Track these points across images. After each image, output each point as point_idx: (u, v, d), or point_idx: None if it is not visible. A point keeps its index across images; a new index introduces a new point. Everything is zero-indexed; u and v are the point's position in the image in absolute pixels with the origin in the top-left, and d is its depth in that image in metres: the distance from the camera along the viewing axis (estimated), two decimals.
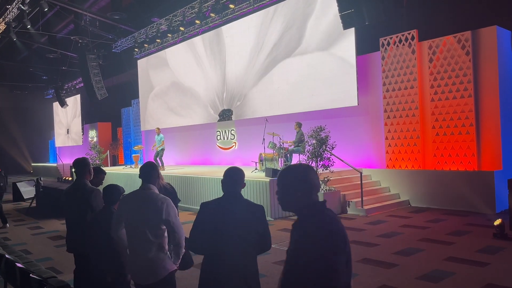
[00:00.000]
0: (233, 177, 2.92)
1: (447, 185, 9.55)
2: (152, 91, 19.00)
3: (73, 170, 4.35)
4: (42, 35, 21.71)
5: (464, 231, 7.42)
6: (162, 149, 14.50)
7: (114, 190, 3.78)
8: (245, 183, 3.00)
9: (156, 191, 3.38)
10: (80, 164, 4.25)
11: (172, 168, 15.44)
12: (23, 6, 15.98)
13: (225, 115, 15.08)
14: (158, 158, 14.36)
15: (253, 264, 2.82)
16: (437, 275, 5.23)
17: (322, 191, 9.54)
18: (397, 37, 10.69)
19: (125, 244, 3.43)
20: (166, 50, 17.90)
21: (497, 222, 6.83)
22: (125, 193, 4.33)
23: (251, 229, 2.77)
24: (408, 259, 5.98)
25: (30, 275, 3.64)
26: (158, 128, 15.06)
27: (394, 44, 10.74)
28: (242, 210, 2.81)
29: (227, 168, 3.02)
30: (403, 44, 10.57)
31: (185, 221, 9.01)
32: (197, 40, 16.19)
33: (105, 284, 3.61)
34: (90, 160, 4.46)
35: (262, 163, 11.48)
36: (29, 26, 17.59)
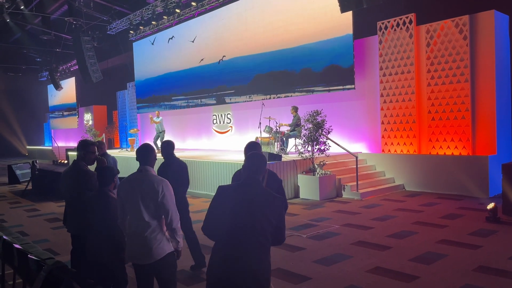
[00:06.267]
0: (256, 163, 2.78)
1: (442, 170, 9.63)
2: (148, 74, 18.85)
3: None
4: (35, 16, 21.35)
5: (457, 215, 7.52)
6: (163, 132, 14.48)
7: (106, 171, 3.79)
8: (267, 170, 2.95)
9: (154, 172, 3.40)
10: (83, 146, 4.42)
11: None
12: None
13: (222, 98, 15.02)
14: (160, 141, 14.26)
15: (264, 256, 2.63)
16: (430, 257, 5.31)
17: (318, 175, 9.59)
18: (394, 21, 10.61)
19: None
20: (162, 32, 17.70)
21: (490, 206, 6.93)
22: (119, 174, 4.38)
23: (267, 219, 2.62)
24: (402, 241, 6.07)
25: (28, 256, 3.66)
26: (158, 112, 14.98)
27: (391, 28, 10.67)
28: (261, 199, 2.68)
29: (250, 153, 2.91)
30: (401, 28, 10.50)
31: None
32: (194, 22, 16.02)
33: (101, 265, 3.64)
34: None
35: None
36: (22, 7, 17.31)
